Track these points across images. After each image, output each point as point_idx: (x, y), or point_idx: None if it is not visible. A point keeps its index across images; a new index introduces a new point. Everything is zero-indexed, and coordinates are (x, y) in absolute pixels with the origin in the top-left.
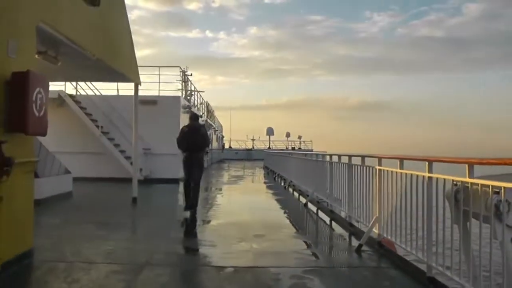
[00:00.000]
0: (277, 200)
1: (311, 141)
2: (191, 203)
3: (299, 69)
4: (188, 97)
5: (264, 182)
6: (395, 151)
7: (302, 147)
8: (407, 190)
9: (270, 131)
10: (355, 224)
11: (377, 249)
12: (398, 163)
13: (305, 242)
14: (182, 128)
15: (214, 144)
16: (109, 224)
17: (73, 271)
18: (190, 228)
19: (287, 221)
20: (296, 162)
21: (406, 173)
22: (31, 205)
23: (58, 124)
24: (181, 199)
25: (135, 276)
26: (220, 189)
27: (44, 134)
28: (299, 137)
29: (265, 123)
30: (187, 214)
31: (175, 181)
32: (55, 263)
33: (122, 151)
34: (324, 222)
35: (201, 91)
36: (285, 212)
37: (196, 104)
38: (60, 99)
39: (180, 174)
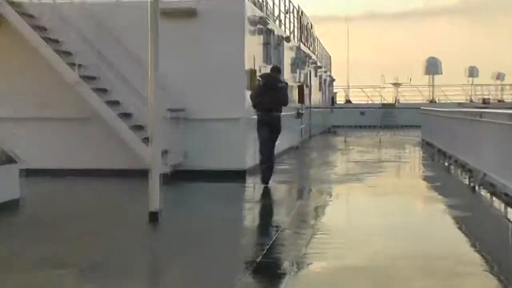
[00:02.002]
0: (456, 217)
1: None
2: (268, 176)
3: None
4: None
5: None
6: None
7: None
8: None
9: (432, 67)
10: None
11: None
12: None
13: None
14: (258, 82)
15: (315, 97)
16: (101, 270)
17: None
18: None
19: (480, 262)
20: (500, 133)
21: None
22: None
23: None
24: (254, 218)
25: None
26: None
27: None
28: (499, 77)
29: (420, 50)
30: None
31: (238, 175)
32: None
33: (125, 115)
34: None
35: None
36: (475, 241)
37: (277, 14)
38: None
39: (249, 161)
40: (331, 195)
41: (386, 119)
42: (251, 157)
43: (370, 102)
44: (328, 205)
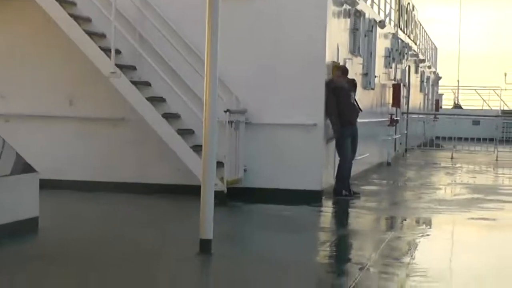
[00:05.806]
0: None
1: None
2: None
3: None
4: None
5: None
6: None
7: None
8: None
9: None
10: None
11: None
12: None
13: None
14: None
15: (415, 100)
16: None
17: None
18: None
19: None
20: None
21: None
22: None
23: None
24: (331, 252)
25: None
26: None
27: None
28: None
29: None
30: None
31: (312, 197)
32: None
33: (171, 116)
34: None
35: None
36: None
37: None
38: None
39: (327, 179)
40: (431, 227)
41: (507, 130)
42: (329, 174)
43: (486, 107)
44: (427, 239)
